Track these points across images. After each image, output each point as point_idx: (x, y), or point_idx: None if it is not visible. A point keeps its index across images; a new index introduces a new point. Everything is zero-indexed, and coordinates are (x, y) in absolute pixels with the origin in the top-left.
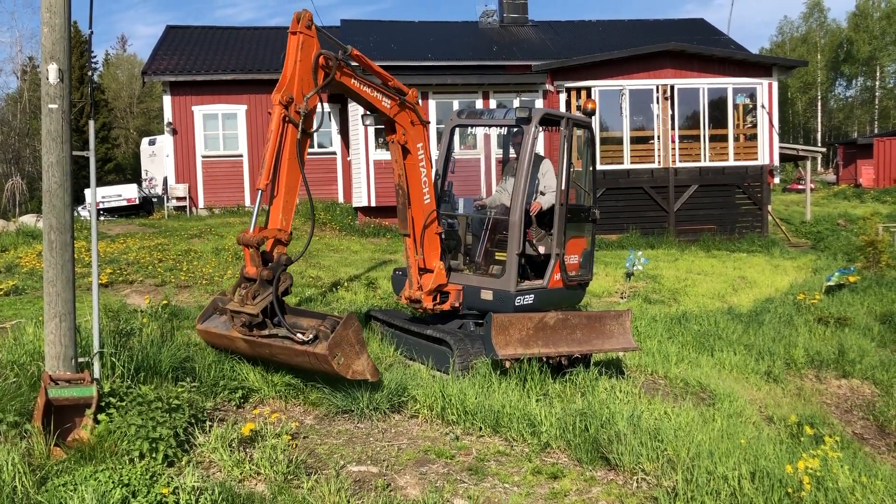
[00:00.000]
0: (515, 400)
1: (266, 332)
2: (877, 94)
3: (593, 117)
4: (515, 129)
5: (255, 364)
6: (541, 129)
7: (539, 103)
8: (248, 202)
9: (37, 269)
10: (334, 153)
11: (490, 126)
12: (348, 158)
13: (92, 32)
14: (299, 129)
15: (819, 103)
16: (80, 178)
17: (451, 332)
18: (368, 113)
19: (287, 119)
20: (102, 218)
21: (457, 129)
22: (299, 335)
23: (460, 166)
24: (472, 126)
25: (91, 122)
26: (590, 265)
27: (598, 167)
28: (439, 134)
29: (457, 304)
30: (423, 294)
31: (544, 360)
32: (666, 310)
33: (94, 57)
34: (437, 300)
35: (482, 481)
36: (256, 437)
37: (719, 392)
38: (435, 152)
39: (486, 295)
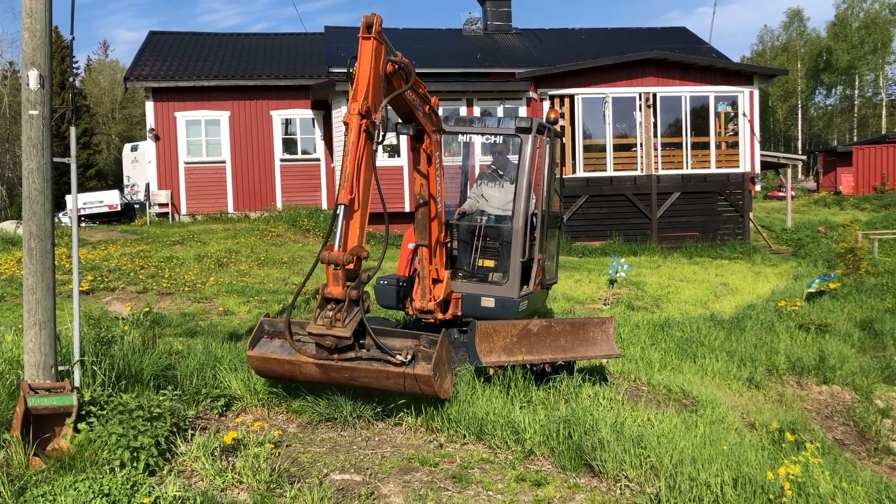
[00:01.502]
0: (499, 407)
1: (352, 354)
2: (856, 102)
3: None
4: (501, 138)
5: (314, 387)
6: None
7: (523, 111)
8: (231, 209)
9: (16, 276)
10: (318, 160)
11: (484, 134)
12: (332, 165)
13: (73, 38)
14: (374, 140)
15: (799, 111)
16: (62, 185)
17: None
18: (404, 122)
19: (365, 130)
20: (84, 224)
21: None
22: (398, 356)
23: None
24: (462, 133)
25: (72, 128)
26: (556, 267)
27: (582, 174)
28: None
29: (458, 313)
30: (435, 304)
31: (528, 367)
32: (649, 316)
33: (76, 62)
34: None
35: (466, 489)
36: (239, 446)
37: (702, 398)
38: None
39: (488, 302)
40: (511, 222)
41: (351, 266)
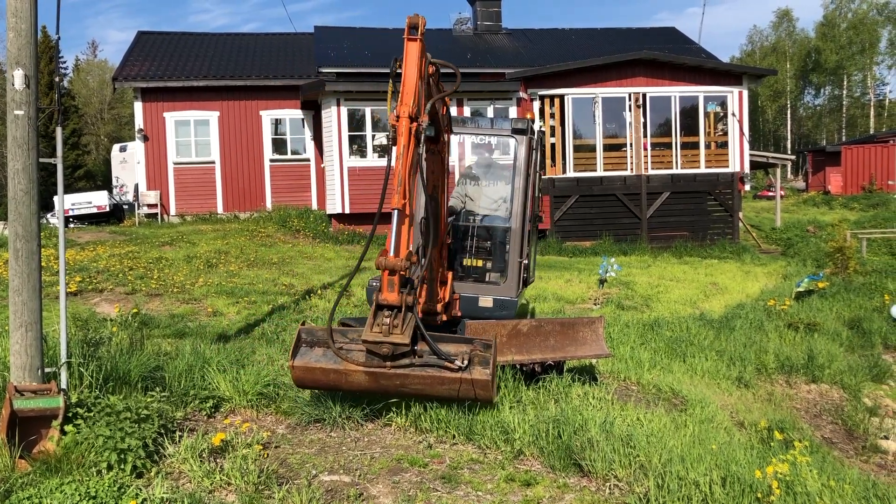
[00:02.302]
0: (489, 407)
1: (405, 361)
2: (844, 102)
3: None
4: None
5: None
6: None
7: (513, 111)
8: (220, 209)
9: (2, 277)
10: (308, 160)
11: (479, 135)
12: (322, 165)
13: (59, 37)
14: (421, 143)
15: (788, 111)
16: (49, 185)
17: None
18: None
19: (415, 133)
20: (72, 225)
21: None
22: (457, 362)
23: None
24: (458, 134)
25: (59, 129)
26: (534, 266)
27: (572, 174)
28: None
29: (458, 314)
30: (442, 306)
31: (518, 367)
32: (639, 316)
33: (64, 62)
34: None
35: (455, 489)
36: (227, 447)
37: (691, 398)
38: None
39: (486, 302)
40: (509, 222)
41: (405, 272)
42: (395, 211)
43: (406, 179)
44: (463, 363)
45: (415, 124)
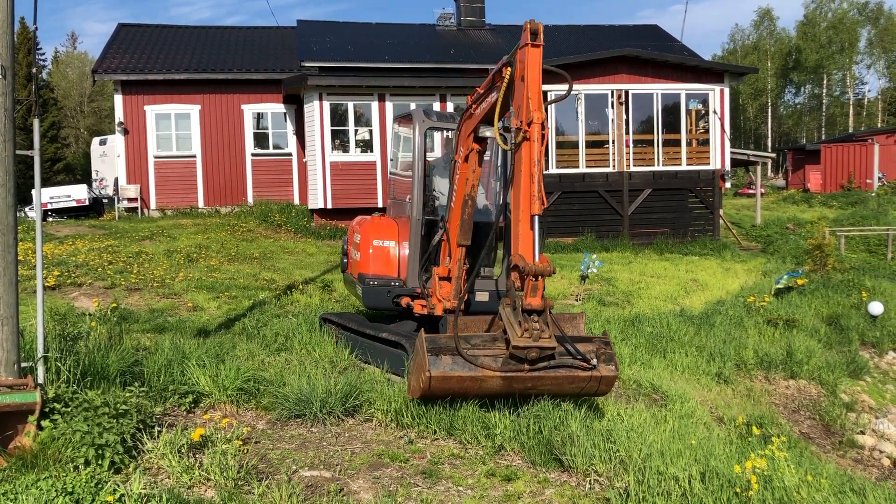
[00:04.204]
0: (470, 403)
1: (542, 364)
2: (824, 101)
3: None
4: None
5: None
6: None
7: None
8: (201, 204)
9: None
10: (290, 154)
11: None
12: (304, 160)
13: (36, 28)
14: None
15: (769, 109)
16: (28, 178)
17: (407, 335)
18: (485, 125)
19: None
20: (51, 219)
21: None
22: (592, 360)
23: (404, 169)
24: (445, 130)
25: (36, 121)
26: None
27: (554, 171)
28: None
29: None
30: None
31: None
32: (620, 312)
33: (43, 54)
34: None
35: (436, 484)
36: (207, 443)
37: (671, 393)
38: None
39: (482, 296)
40: (491, 217)
41: (551, 276)
42: (536, 217)
43: (542, 184)
44: (593, 362)
45: (546, 129)
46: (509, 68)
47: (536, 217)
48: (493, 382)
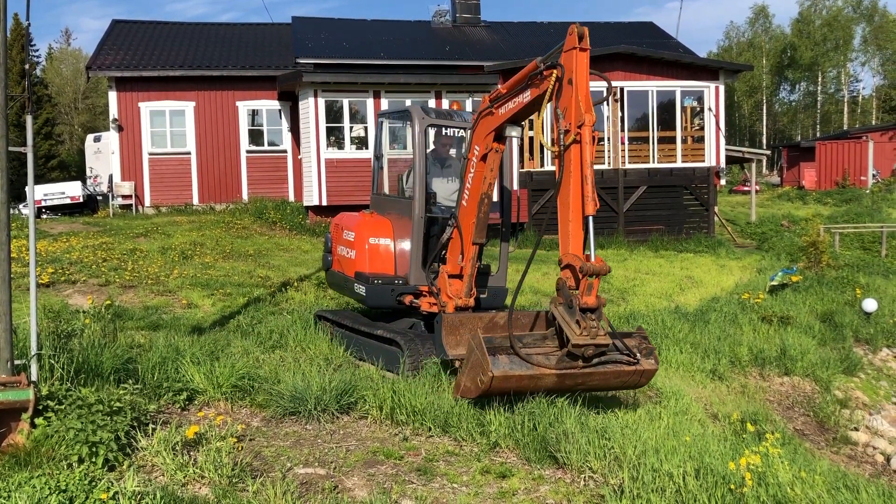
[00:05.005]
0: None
1: (595, 360)
2: (819, 98)
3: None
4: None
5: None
6: None
7: None
8: (196, 201)
9: None
10: (285, 151)
11: (466, 129)
12: (299, 157)
13: (29, 24)
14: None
15: (764, 107)
16: (21, 175)
17: (402, 333)
18: (511, 125)
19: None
20: (45, 216)
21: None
22: (638, 355)
23: (392, 165)
24: (444, 127)
25: (29, 118)
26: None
27: (550, 168)
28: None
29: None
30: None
31: None
32: (615, 309)
33: (37, 50)
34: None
35: (431, 482)
36: (201, 440)
37: (666, 390)
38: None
39: (480, 292)
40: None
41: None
42: (590, 218)
43: (595, 184)
44: (637, 357)
45: (597, 132)
46: (553, 70)
47: (591, 218)
48: (548, 380)
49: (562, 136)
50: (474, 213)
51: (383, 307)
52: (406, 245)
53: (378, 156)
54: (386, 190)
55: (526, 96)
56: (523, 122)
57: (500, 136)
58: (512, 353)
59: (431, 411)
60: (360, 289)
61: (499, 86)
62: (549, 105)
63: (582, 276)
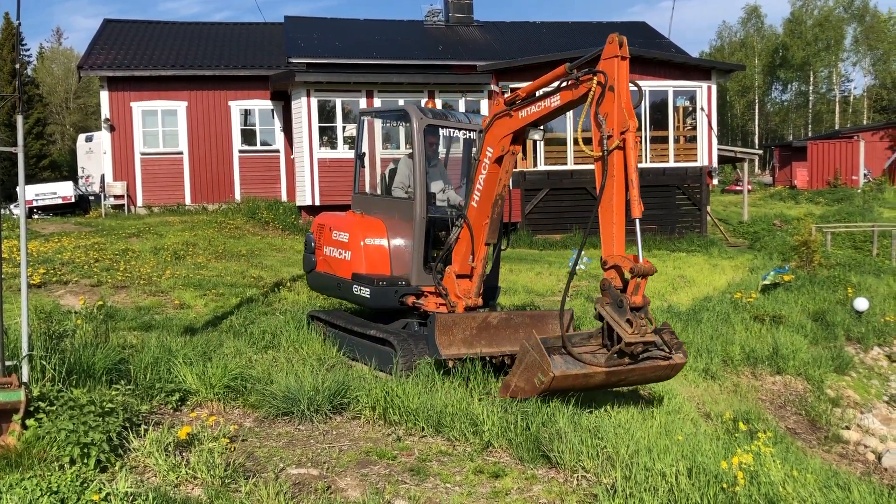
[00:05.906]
0: (458, 399)
1: (645, 355)
2: (810, 98)
3: None
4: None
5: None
6: None
7: (484, 104)
8: (188, 201)
9: None
10: (277, 151)
11: (461, 129)
12: (292, 157)
13: (19, 23)
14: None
15: (756, 107)
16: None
17: (395, 333)
18: (534, 128)
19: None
20: (37, 216)
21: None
22: (673, 351)
23: (375, 164)
24: (442, 127)
25: (20, 117)
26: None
27: (543, 168)
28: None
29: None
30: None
31: (487, 359)
32: None
33: (28, 50)
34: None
35: (424, 482)
36: (193, 441)
37: (658, 389)
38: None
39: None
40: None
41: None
42: (637, 220)
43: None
44: (671, 352)
45: (638, 136)
46: (593, 77)
47: (637, 220)
48: (598, 378)
49: (605, 141)
50: (487, 213)
51: (385, 308)
52: (400, 245)
53: (360, 155)
54: (367, 189)
55: (555, 101)
56: (542, 126)
57: (516, 139)
58: (564, 353)
59: (424, 411)
60: (363, 290)
61: (492, 86)
62: (587, 110)
63: (632, 276)
